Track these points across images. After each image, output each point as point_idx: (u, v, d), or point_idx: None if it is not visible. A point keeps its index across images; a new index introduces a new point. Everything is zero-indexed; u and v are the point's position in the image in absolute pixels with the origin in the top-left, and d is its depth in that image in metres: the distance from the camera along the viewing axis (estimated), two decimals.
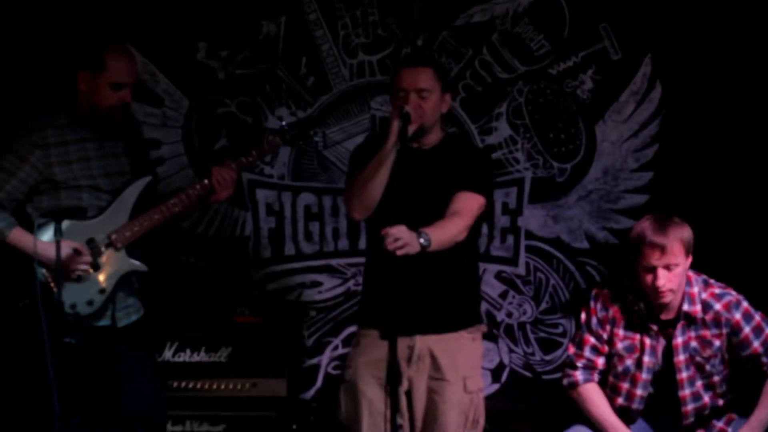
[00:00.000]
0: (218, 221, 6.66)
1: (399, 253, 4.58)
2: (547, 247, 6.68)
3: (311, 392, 6.66)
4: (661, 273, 4.87)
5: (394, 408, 4.67)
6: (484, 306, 6.60)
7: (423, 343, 5.04)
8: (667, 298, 4.94)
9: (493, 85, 6.63)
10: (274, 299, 6.68)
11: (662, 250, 4.84)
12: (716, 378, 5.08)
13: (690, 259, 4.95)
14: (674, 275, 4.89)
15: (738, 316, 5.01)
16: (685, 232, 4.93)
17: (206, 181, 5.20)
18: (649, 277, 4.90)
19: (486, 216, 5.22)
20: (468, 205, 4.95)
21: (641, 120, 6.61)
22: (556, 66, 6.60)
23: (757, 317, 5.04)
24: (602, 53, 6.58)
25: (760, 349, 5.03)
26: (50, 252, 4.83)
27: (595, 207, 6.65)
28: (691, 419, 5.08)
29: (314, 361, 6.70)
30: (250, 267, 6.70)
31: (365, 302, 5.25)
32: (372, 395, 5.01)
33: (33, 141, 5.06)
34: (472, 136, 6.61)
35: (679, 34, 6.45)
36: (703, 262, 5.04)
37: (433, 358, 5.05)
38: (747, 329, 5.01)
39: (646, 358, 5.05)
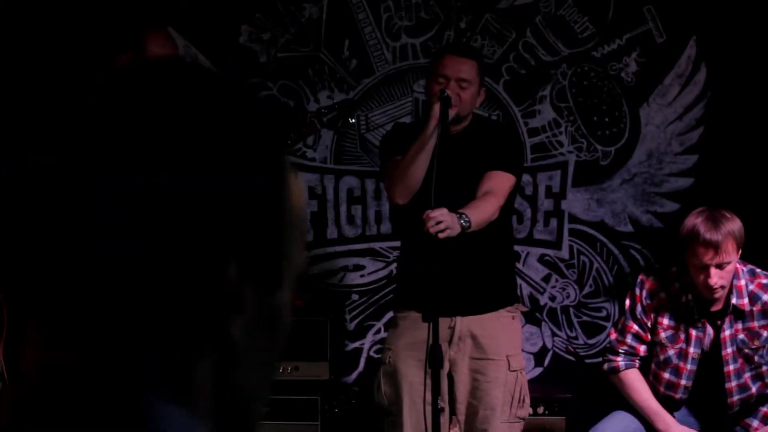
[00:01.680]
0: None
1: (441, 236, 4.55)
2: (590, 231, 6.64)
3: (353, 376, 6.66)
4: (714, 272, 4.79)
5: (436, 392, 4.66)
6: (527, 290, 6.60)
7: (463, 324, 5.02)
8: (719, 294, 4.88)
9: (537, 67, 6.59)
10: (317, 283, 6.69)
11: (716, 249, 4.76)
12: (765, 368, 5.03)
13: (740, 252, 4.90)
14: (726, 272, 4.83)
15: None
16: (737, 228, 4.83)
17: None
18: (701, 276, 4.83)
19: (516, 193, 5.19)
20: (500, 184, 4.92)
21: (686, 103, 6.55)
22: (600, 48, 6.56)
23: None
24: (647, 36, 6.53)
25: None
26: None
27: (639, 190, 6.60)
28: (737, 409, 5.05)
29: (356, 344, 6.70)
30: None
31: (402, 286, 5.24)
32: (412, 378, 4.99)
33: None
34: (515, 119, 6.58)
35: (724, 16, 6.39)
36: (749, 247, 4.98)
37: (474, 339, 5.03)
38: None
39: (692, 349, 4.99)
